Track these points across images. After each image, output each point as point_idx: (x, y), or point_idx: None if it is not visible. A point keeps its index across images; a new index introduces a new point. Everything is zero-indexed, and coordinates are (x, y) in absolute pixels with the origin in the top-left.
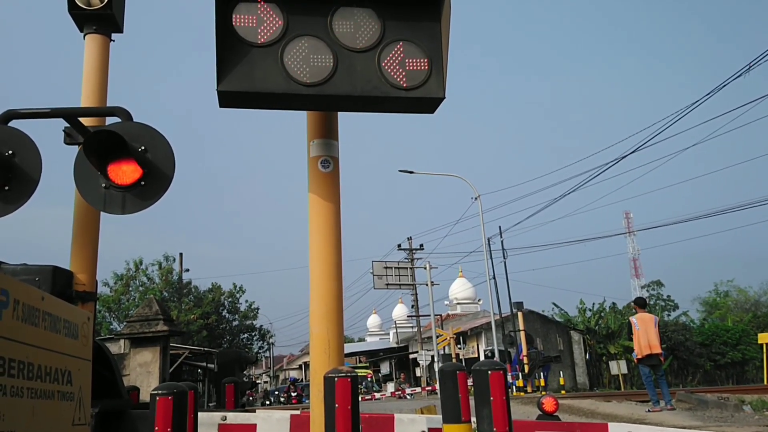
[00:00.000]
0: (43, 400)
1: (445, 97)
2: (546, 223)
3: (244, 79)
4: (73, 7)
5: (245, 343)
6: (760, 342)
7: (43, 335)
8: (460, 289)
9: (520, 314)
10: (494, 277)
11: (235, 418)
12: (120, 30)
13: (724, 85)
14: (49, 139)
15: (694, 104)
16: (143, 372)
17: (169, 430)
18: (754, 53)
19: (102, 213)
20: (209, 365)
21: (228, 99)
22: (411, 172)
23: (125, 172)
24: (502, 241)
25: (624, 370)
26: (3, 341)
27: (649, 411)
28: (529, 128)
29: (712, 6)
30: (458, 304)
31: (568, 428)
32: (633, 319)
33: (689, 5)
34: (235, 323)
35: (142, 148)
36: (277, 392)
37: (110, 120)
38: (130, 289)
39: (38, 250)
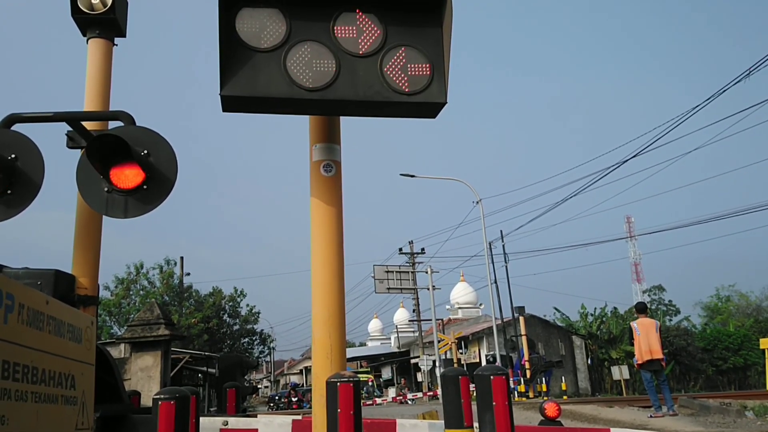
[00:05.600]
0: (46, 404)
1: (446, 102)
2: (548, 227)
3: (247, 83)
4: (76, 12)
5: (246, 348)
6: (762, 347)
7: (48, 339)
8: (461, 293)
9: (521, 319)
10: (496, 282)
11: (236, 422)
12: (123, 34)
13: (725, 90)
14: (52, 143)
15: (696, 108)
16: (144, 376)
17: None
18: (758, 54)
19: (104, 217)
20: (210, 370)
21: (231, 103)
22: (412, 176)
23: (128, 176)
24: (503, 245)
25: (626, 375)
26: (8, 345)
27: (651, 416)
28: (530, 132)
29: (717, 8)
30: (460, 308)
31: None
32: (634, 324)
33: (693, 7)
34: (235, 327)
35: (145, 152)
36: (277, 397)
37: (113, 124)
38: (131, 293)
39: (40, 254)
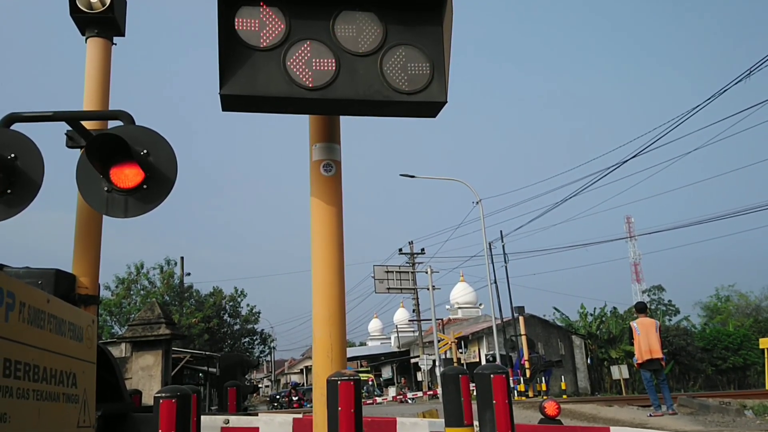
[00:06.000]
0: (48, 402)
1: (447, 102)
2: (547, 227)
3: (247, 82)
4: (74, 11)
5: (246, 347)
6: (761, 347)
7: (49, 338)
8: (461, 293)
9: (521, 319)
10: (495, 282)
11: (237, 421)
12: (122, 33)
13: (725, 90)
14: (52, 143)
15: (696, 109)
16: (145, 376)
17: None
18: (759, 53)
19: (104, 216)
20: (210, 369)
21: (231, 103)
22: (412, 177)
23: (128, 176)
24: (503, 246)
25: (625, 374)
26: (9, 343)
27: (650, 416)
28: (531, 132)
29: (717, 7)
30: (459, 308)
31: None
32: (634, 324)
33: (693, 7)
34: (236, 327)
35: (145, 151)
36: (278, 396)
37: (112, 123)
38: (132, 292)
39: (41, 254)
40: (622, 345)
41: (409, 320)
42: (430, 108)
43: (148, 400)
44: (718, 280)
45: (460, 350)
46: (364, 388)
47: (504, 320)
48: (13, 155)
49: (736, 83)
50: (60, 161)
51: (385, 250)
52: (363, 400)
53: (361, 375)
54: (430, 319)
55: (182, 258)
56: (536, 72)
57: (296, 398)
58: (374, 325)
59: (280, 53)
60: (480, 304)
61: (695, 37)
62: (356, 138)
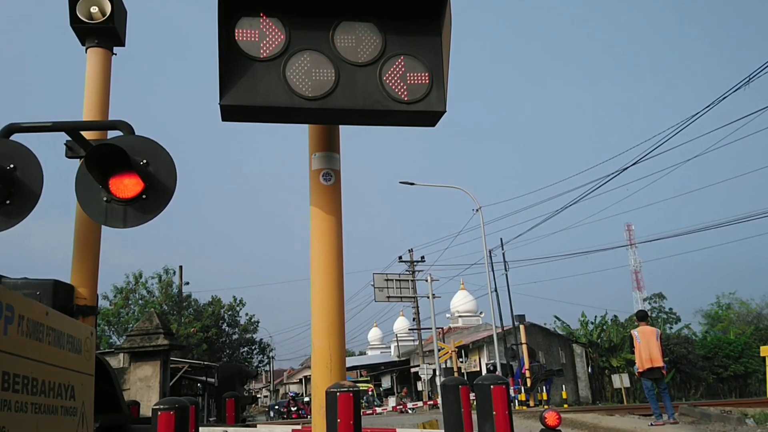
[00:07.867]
0: (46, 415)
1: (446, 111)
2: (548, 235)
3: (247, 93)
4: (75, 21)
5: (245, 357)
6: (762, 355)
7: (48, 350)
8: (461, 301)
9: (522, 327)
10: (496, 290)
11: None
12: (122, 43)
13: (724, 98)
14: (51, 153)
15: (695, 116)
16: (143, 386)
17: None
18: (758, 62)
19: (103, 226)
20: (209, 379)
21: (231, 113)
22: (412, 184)
23: (127, 186)
24: (503, 253)
25: (627, 383)
26: (8, 356)
27: (652, 425)
28: (530, 139)
29: (715, 14)
30: (460, 316)
31: None
32: (634, 332)
33: (692, 12)
34: (235, 337)
35: (144, 161)
36: (277, 406)
37: (112, 133)
38: (130, 302)
39: (39, 264)
40: (623, 353)
41: (409, 329)
42: (430, 117)
43: (146, 411)
44: (719, 288)
45: (461, 359)
46: (364, 398)
47: (504, 329)
48: (12, 166)
49: (734, 91)
50: (59, 171)
51: (385, 258)
52: (362, 411)
53: (360, 385)
54: (430, 328)
55: (181, 267)
56: (538, 78)
57: (295, 408)
58: (374, 334)
59: (279, 64)
60: (480, 313)
61: (699, 44)
62: (356, 146)
